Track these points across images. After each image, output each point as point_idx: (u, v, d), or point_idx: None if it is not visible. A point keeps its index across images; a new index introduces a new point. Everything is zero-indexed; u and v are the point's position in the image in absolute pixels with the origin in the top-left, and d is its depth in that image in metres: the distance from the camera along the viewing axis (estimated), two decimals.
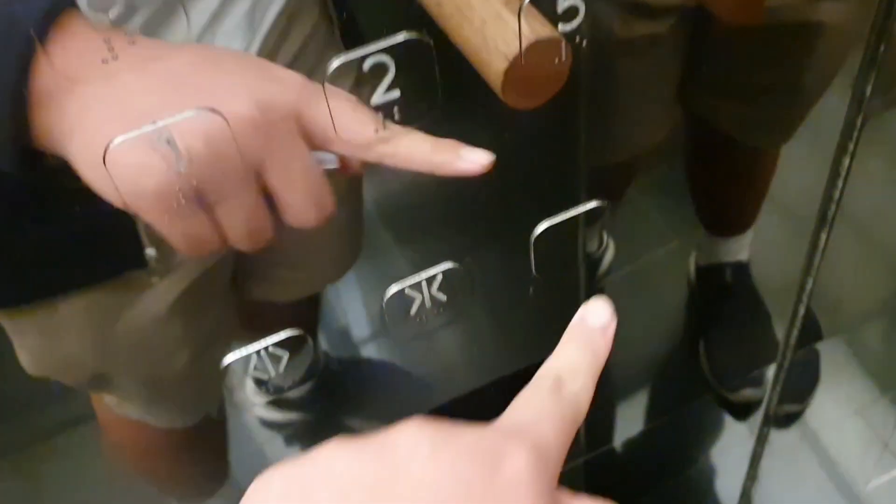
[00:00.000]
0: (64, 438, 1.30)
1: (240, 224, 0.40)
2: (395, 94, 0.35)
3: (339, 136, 0.40)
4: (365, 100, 0.38)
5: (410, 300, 0.42)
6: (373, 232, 1.35)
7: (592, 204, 0.44)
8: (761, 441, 0.88)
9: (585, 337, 0.34)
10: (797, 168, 1.19)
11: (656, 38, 0.87)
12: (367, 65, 0.34)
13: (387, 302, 0.41)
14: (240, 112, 0.37)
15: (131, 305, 0.67)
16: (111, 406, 0.86)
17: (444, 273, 0.40)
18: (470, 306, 0.43)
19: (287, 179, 0.40)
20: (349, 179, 0.81)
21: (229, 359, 0.40)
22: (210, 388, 0.90)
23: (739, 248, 1.28)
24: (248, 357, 0.41)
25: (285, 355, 0.40)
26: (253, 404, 1.28)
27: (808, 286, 0.64)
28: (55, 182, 0.41)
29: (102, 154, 0.36)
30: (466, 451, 0.26)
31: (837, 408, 1.27)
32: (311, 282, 0.99)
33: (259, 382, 0.93)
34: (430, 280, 0.40)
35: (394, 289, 0.41)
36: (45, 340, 0.68)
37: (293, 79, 0.41)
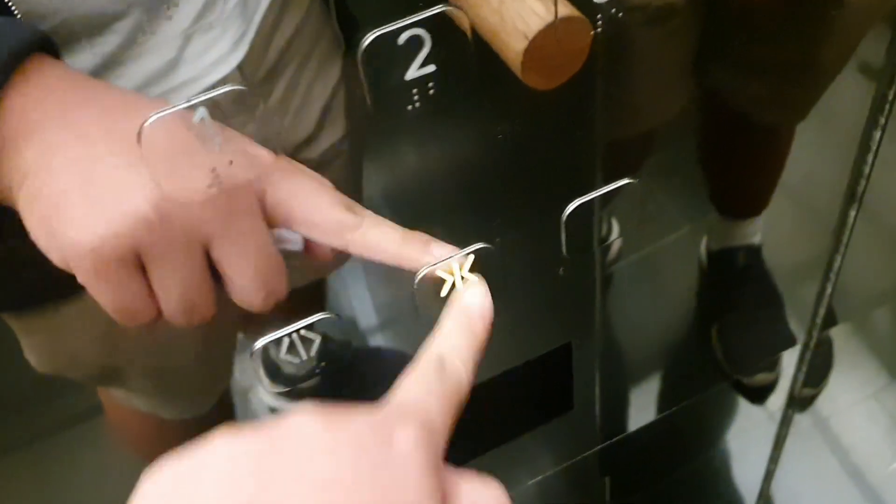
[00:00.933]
0: (70, 433, 1.29)
1: (174, 295, 0.39)
2: (431, 68, 0.35)
3: (305, 218, 0.40)
4: (398, 78, 0.37)
5: (440, 282, 0.41)
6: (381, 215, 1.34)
7: (625, 181, 0.43)
8: (785, 423, 0.87)
9: (466, 319, 0.36)
10: (809, 149, 1.18)
11: (672, 9, 0.85)
12: (402, 38, 0.33)
13: (418, 283, 0.41)
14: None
15: None
16: (119, 399, 0.85)
17: (477, 253, 0.40)
18: (501, 289, 0.43)
19: (236, 257, 0.39)
20: (347, 163, 0.80)
21: (261, 343, 0.39)
22: (219, 378, 0.90)
23: (752, 231, 1.27)
24: (270, 342, 0.40)
25: (317, 339, 0.40)
26: (264, 395, 1.27)
27: (837, 264, 0.63)
28: None
29: (49, 208, 0.35)
30: (359, 433, 0.27)
31: (852, 392, 1.26)
32: (313, 268, 0.98)
33: (270, 372, 0.93)
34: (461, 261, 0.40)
35: (424, 270, 0.40)
36: (52, 339, 0.67)
37: (263, 155, 0.40)
